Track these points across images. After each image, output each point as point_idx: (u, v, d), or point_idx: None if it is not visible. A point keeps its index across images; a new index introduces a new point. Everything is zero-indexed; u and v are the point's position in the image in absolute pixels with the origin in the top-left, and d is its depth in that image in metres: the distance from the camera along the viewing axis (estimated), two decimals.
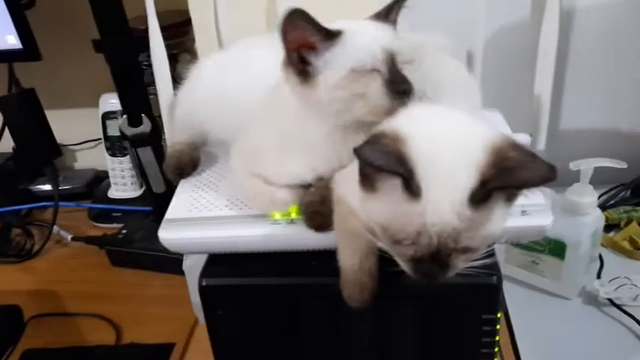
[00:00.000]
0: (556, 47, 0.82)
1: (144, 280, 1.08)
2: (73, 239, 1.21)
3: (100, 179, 1.40)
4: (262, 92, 0.62)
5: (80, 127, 1.40)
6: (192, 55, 1.13)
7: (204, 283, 0.61)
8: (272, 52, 0.56)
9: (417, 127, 0.49)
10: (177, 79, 0.89)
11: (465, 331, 0.61)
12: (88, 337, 0.96)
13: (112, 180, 1.31)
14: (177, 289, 0.95)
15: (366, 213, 0.51)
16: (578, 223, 0.87)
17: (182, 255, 0.83)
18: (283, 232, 0.60)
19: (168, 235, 0.61)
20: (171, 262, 0.98)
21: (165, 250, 0.62)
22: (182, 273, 0.87)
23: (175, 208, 0.65)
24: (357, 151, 0.46)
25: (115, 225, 1.24)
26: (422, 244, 0.47)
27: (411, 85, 0.55)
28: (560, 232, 0.88)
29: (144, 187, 1.28)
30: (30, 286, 1.11)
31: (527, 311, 0.91)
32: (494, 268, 0.58)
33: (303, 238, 0.59)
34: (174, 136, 0.76)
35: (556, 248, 0.89)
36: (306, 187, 0.60)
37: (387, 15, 0.58)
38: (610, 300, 0.90)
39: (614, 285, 0.90)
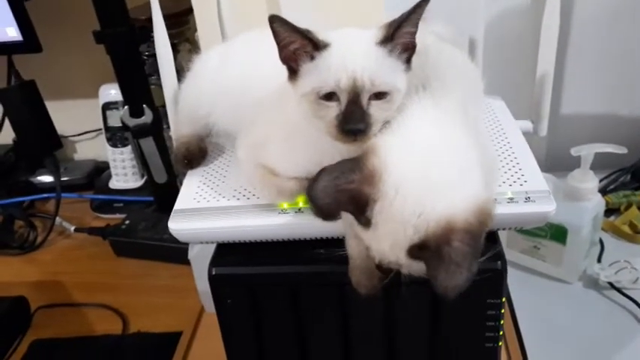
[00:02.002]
0: (558, 33, 0.83)
1: (148, 270, 1.09)
2: (76, 230, 1.21)
3: (100, 170, 1.41)
4: (267, 84, 0.62)
5: (80, 118, 1.40)
6: (193, 45, 1.13)
7: (213, 273, 0.62)
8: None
9: (399, 162, 0.49)
10: (178, 70, 0.89)
11: (470, 315, 0.62)
12: (94, 327, 0.97)
13: (112, 171, 1.31)
14: (182, 278, 0.97)
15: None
16: (579, 209, 0.88)
17: (187, 244, 0.84)
18: (291, 221, 0.60)
19: (178, 225, 0.62)
20: (175, 252, 0.99)
21: (169, 239, 0.63)
22: (187, 262, 0.88)
23: (184, 199, 0.65)
24: (308, 190, 0.49)
25: (117, 215, 1.24)
26: None
27: (365, 126, 0.51)
28: (561, 218, 0.88)
29: (145, 178, 1.29)
30: (35, 278, 1.11)
31: (529, 296, 0.92)
32: (498, 253, 0.58)
33: (310, 226, 0.60)
34: (179, 129, 0.76)
35: (557, 233, 0.90)
36: None
37: (386, 39, 0.52)
38: (610, 283, 0.91)
39: (614, 269, 0.92)
